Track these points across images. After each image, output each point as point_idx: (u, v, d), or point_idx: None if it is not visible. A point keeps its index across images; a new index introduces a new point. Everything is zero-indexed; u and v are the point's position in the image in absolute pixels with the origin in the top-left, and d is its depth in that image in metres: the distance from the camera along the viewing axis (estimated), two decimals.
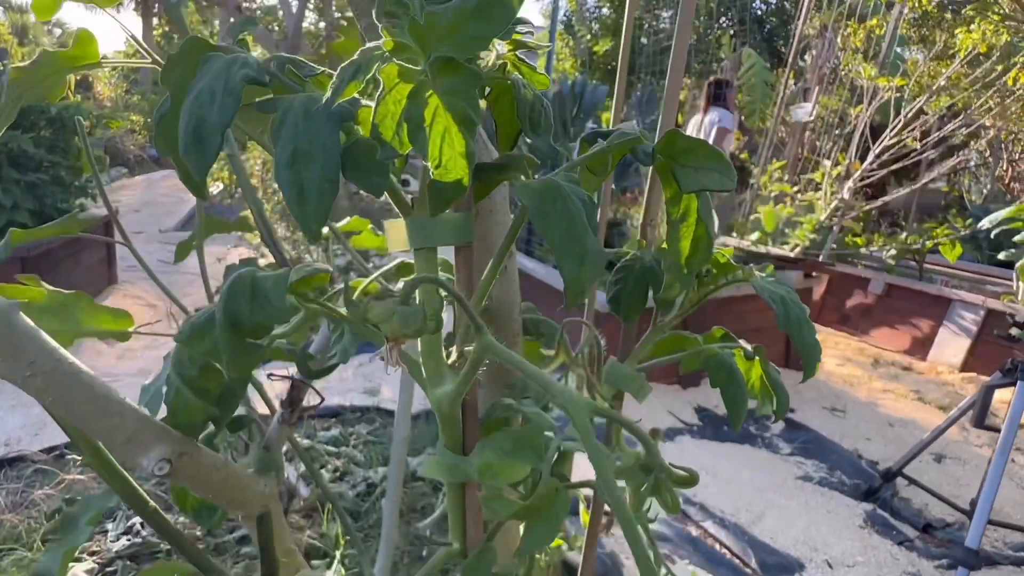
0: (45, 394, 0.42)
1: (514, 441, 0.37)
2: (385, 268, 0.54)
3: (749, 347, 0.53)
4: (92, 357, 3.45)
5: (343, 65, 0.35)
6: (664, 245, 0.56)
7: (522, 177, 0.43)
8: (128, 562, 1.71)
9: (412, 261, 0.55)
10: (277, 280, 0.40)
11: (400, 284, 0.50)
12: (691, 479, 0.34)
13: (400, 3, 0.34)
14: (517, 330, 0.55)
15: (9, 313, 0.39)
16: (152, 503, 0.61)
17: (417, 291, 0.40)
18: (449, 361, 0.44)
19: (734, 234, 4.79)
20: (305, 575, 0.44)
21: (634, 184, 5.02)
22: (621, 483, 0.45)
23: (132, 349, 3.61)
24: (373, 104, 0.38)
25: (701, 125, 5.27)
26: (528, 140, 0.45)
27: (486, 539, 0.49)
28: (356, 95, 0.37)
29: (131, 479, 0.61)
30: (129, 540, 1.79)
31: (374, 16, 0.36)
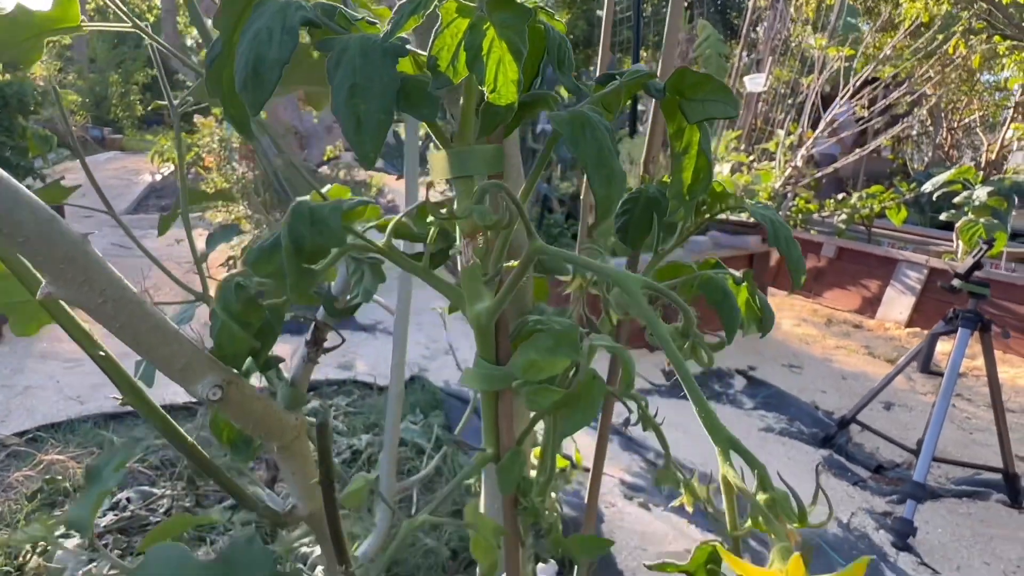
0: (114, 321, 0.45)
1: (555, 339, 0.43)
2: (409, 209, 0.59)
3: (738, 273, 0.59)
4: (52, 343, 3.36)
5: (401, 3, 0.39)
6: (665, 178, 0.62)
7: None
8: (118, 535, 1.71)
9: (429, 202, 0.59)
10: (333, 207, 0.45)
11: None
12: (721, 344, 0.40)
13: None
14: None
15: (83, 244, 0.42)
16: (189, 437, 0.65)
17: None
18: (485, 279, 0.49)
19: None
20: (359, 480, 0.49)
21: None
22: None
23: (95, 333, 3.53)
24: (417, 47, 0.42)
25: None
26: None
27: (517, 443, 0.55)
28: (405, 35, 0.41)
29: (168, 416, 0.65)
30: (116, 515, 1.80)
31: None
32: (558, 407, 0.44)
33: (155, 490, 1.89)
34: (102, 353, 0.57)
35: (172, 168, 7.51)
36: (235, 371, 0.58)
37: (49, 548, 1.75)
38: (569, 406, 0.43)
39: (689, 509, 0.59)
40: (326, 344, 0.69)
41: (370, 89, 0.40)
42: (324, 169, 6.57)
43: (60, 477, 1.91)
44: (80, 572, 1.55)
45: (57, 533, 1.78)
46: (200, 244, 1.12)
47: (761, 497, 0.29)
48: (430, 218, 0.55)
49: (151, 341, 0.48)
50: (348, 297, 0.69)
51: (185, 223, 1.09)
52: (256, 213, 3.91)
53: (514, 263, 0.46)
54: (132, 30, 0.96)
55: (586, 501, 0.73)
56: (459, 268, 0.51)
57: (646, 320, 0.33)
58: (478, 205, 0.35)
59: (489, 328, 0.50)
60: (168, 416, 0.63)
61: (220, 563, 0.61)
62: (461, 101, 0.45)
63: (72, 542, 1.79)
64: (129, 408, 2.79)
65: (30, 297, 0.76)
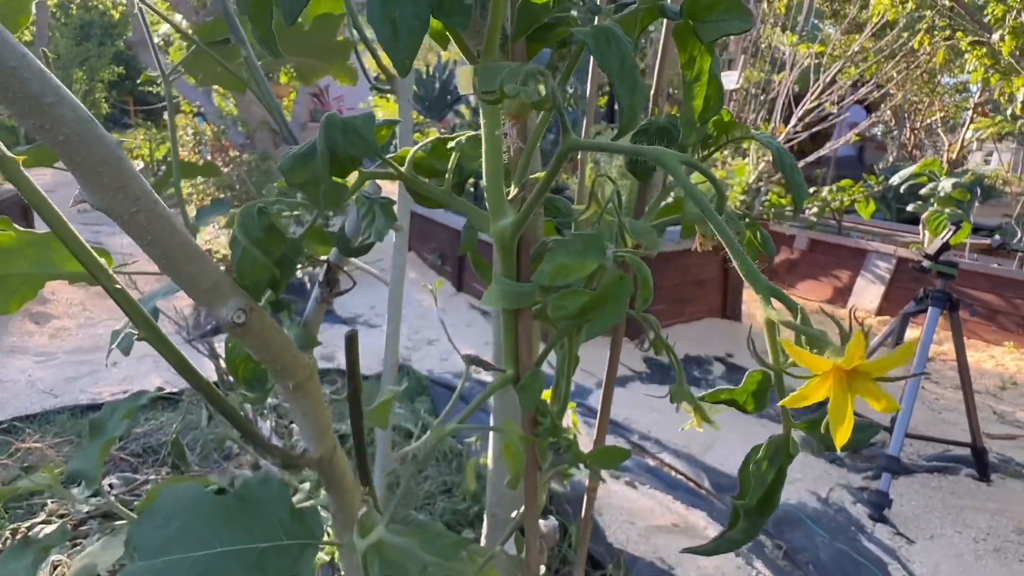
0: (145, 233, 0.45)
1: (584, 243, 0.44)
2: (424, 143, 0.60)
3: (709, 181, 0.61)
4: (23, 337, 3.27)
5: None
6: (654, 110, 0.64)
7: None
8: (102, 520, 1.68)
9: (442, 139, 0.61)
10: (366, 118, 0.46)
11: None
12: (753, 224, 0.42)
13: None
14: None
15: (119, 150, 0.42)
16: (205, 377, 0.65)
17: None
18: (509, 197, 0.50)
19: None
20: (387, 393, 0.49)
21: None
22: None
23: (66, 328, 3.44)
24: None
25: None
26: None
27: (535, 364, 0.57)
28: None
29: (183, 354, 0.65)
30: (97, 501, 1.76)
31: None
32: (585, 311, 0.46)
33: (138, 476, 1.86)
34: (118, 286, 0.57)
35: (142, 165, 7.37)
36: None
37: (30, 535, 1.71)
38: (596, 308, 0.45)
39: (699, 430, 0.61)
40: (339, 288, 0.70)
41: None
42: None
43: (38, 464, 1.86)
44: (66, 554, 1.52)
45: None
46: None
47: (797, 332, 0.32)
48: (450, 145, 0.57)
49: (179, 257, 0.48)
50: (360, 238, 0.70)
51: (178, 195, 1.08)
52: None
53: (540, 174, 0.48)
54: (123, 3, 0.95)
55: (593, 442, 0.75)
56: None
57: (690, 194, 0.35)
58: (524, 87, 0.37)
59: (512, 245, 0.51)
60: (183, 354, 0.64)
61: (236, 499, 0.61)
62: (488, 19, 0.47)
63: (52, 528, 1.75)
64: (104, 399, 2.72)
65: (15, 270, 0.75)
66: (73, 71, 11.24)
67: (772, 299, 0.32)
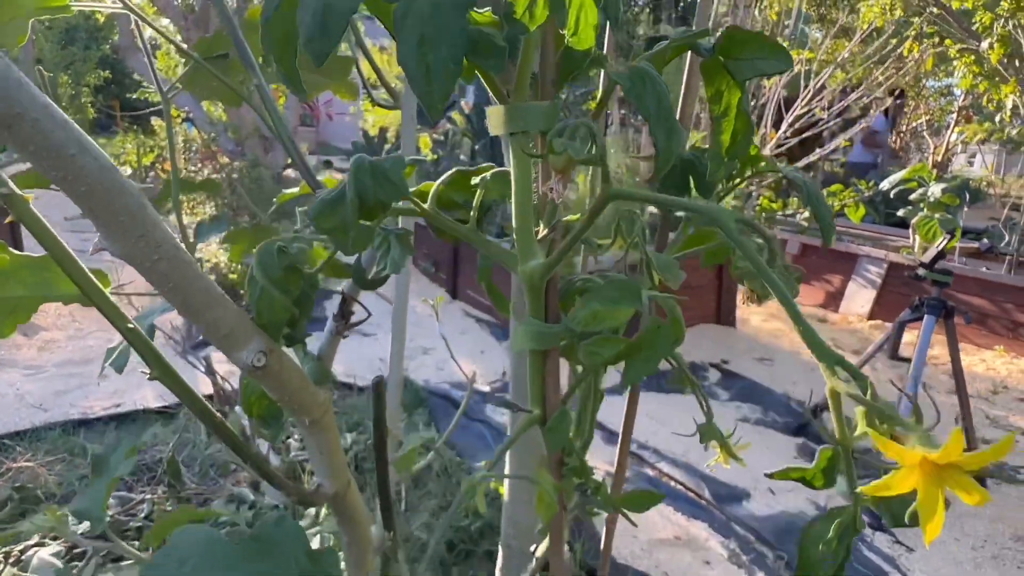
0: (167, 280, 0.44)
1: (619, 290, 0.43)
2: (447, 175, 0.59)
3: (761, 238, 0.61)
4: (10, 350, 3.21)
5: None
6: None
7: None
8: (98, 541, 1.65)
9: (462, 172, 0.60)
10: (394, 162, 0.45)
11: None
12: (800, 272, 0.41)
13: None
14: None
15: (141, 197, 0.41)
16: (217, 414, 0.63)
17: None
18: (538, 237, 0.49)
19: None
20: (414, 438, 0.48)
21: None
22: None
23: (55, 340, 3.39)
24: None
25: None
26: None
27: (561, 403, 0.56)
28: None
29: (195, 392, 0.63)
30: (104, 544, 1.72)
31: None
32: (620, 357, 0.45)
33: (133, 495, 1.83)
34: (130, 326, 0.55)
35: (129, 172, 7.29)
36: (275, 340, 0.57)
37: (23, 558, 1.67)
38: (631, 356, 0.44)
39: (726, 467, 0.60)
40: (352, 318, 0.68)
41: (440, 39, 0.41)
42: (289, 172, 6.49)
43: (31, 485, 1.83)
44: None
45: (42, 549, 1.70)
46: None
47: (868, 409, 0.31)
48: (475, 180, 0.55)
49: (200, 303, 0.47)
50: (375, 269, 0.68)
51: (177, 213, 1.06)
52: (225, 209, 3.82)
53: (573, 217, 0.47)
54: (120, 10, 0.93)
55: (615, 462, 0.74)
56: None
57: (741, 248, 0.34)
58: (571, 141, 0.36)
59: (542, 287, 0.50)
60: (195, 392, 0.62)
61: (252, 541, 0.59)
62: (519, 58, 0.45)
63: (48, 550, 1.72)
64: (98, 414, 2.66)
65: (9, 293, 0.72)
66: (59, 75, 11.10)
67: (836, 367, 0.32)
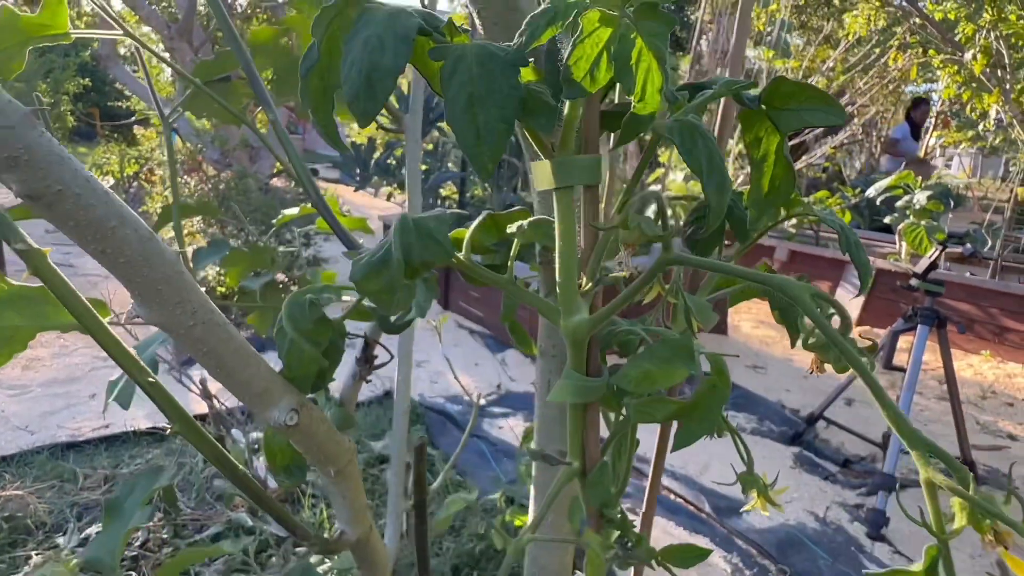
0: (201, 345, 0.42)
1: (672, 350, 0.42)
2: (478, 220, 0.58)
3: (834, 309, 0.60)
4: None
5: (534, 14, 0.38)
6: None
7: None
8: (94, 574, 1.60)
9: (493, 216, 0.58)
10: (439, 220, 0.43)
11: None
12: (874, 343, 0.40)
13: None
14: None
15: (179, 264, 0.39)
16: (242, 467, 0.61)
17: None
18: (582, 291, 0.48)
19: None
20: (456, 502, 0.47)
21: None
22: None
23: (39, 358, 3.31)
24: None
25: None
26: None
27: (602, 454, 0.54)
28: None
29: (220, 445, 0.61)
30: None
31: None
32: (673, 418, 0.43)
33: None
34: (151, 380, 0.53)
35: (112, 183, 7.18)
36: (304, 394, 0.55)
37: None
38: (683, 417, 0.43)
39: (765, 513, 0.59)
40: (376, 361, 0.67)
41: (490, 99, 0.39)
42: (275, 181, 6.43)
43: (20, 514, 1.78)
44: None
45: None
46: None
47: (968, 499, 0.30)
48: (511, 228, 0.54)
49: (234, 364, 0.45)
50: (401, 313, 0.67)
51: (177, 235, 1.04)
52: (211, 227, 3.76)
53: (622, 274, 0.46)
54: (120, 37, 0.91)
55: (644, 507, 0.73)
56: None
57: (821, 327, 0.33)
58: (642, 216, 0.35)
59: (585, 342, 0.49)
60: (219, 445, 0.60)
61: None
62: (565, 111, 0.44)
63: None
64: (87, 436, 2.60)
65: (5, 323, 0.70)
66: (37, 83, 10.92)
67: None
